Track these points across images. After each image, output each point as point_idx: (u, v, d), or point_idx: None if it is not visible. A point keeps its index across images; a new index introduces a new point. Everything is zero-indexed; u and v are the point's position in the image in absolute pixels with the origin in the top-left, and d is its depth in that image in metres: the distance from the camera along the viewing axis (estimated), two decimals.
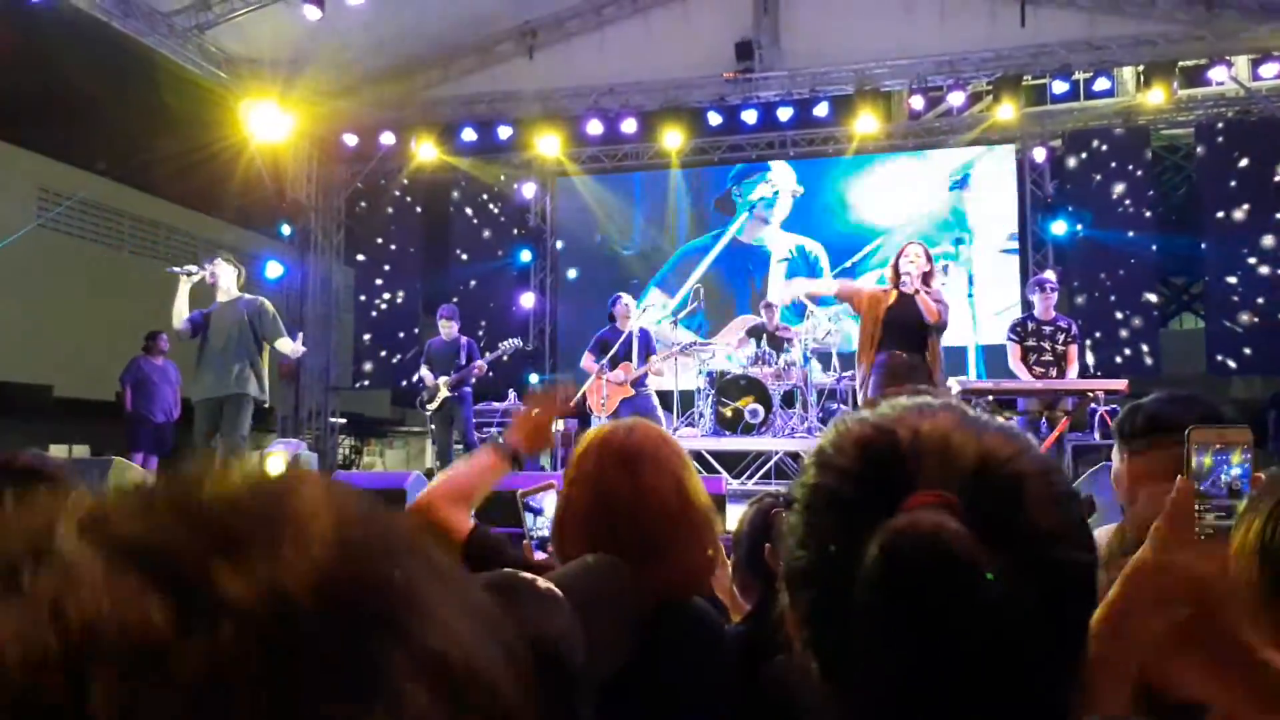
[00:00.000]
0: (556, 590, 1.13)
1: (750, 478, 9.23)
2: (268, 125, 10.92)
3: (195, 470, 0.37)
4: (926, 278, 6.09)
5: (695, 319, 10.99)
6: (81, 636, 0.30)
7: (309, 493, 0.37)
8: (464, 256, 12.96)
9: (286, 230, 12.06)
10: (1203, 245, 11.23)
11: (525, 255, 13.12)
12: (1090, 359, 10.31)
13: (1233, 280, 10.83)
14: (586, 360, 8.49)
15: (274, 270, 12.13)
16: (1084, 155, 11.44)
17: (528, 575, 1.15)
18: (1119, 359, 10.88)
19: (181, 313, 6.95)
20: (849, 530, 0.68)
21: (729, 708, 1.50)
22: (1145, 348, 10.98)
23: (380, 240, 12.93)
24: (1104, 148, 11.36)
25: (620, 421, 1.66)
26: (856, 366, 6.47)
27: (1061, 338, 7.43)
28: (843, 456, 0.73)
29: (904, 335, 6.02)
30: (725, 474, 8.71)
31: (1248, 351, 10.69)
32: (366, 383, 13.04)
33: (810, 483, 0.75)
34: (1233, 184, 10.87)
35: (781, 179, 12.49)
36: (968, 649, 0.62)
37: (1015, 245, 11.79)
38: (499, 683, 0.36)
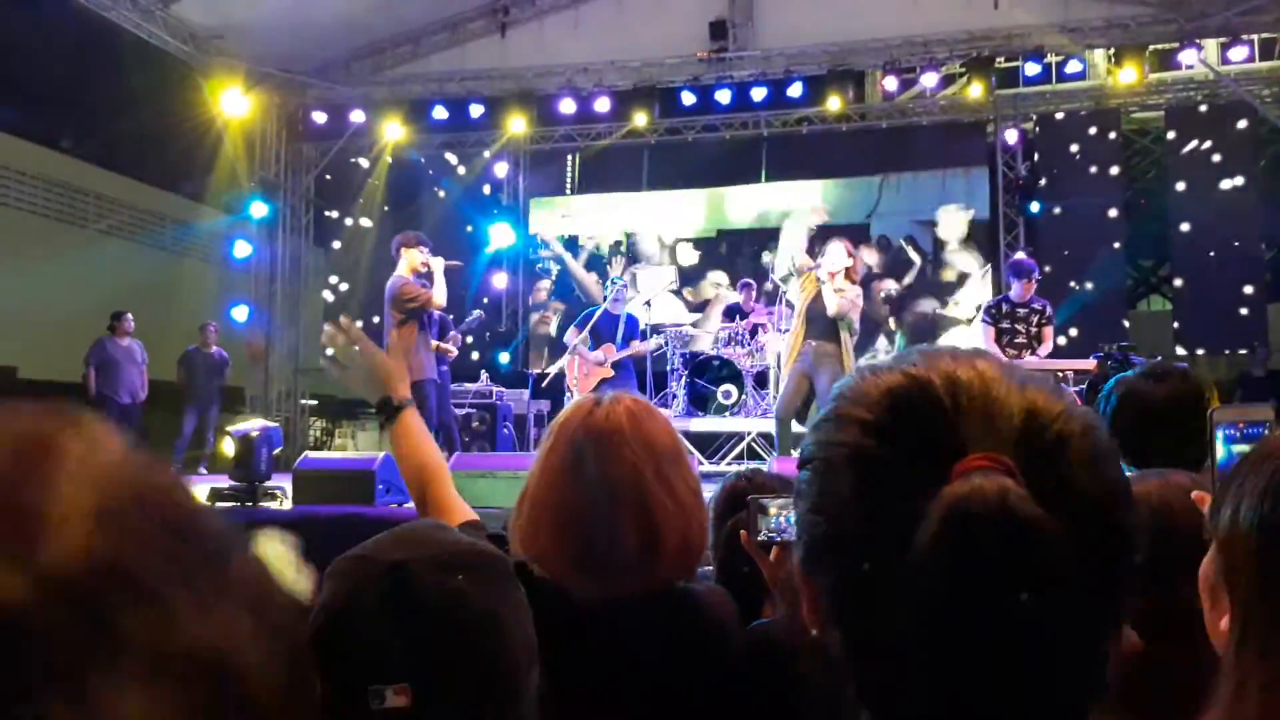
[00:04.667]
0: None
1: (723, 459, 9.25)
2: (235, 103, 10.75)
3: None
4: (850, 274, 6.52)
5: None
6: None
7: (67, 460, 0.33)
8: (433, 236, 12.83)
9: (262, 209, 11.87)
10: (1171, 228, 11.33)
11: (496, 234, 13.00)
12: (1061, 340, 10.40)
13: (1200, 262, 10.95)
14: (570, 335, 8.58)
15: (242, 250, 11.97)
16: (1055, 137, 11.50)
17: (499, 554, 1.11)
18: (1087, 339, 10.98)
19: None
20: (882, 493, 0.62)
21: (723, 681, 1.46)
22: (1114, 328, 11.08)
23: (349, 219, 12.80)
24: (1075, 130, 11.42)
25: (599, 397, 1.53)
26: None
27: (1036, 319, 7.48)
28: (867, 409, 0.65)
29: (820, 326, 6.50)
30: (698, 454, 8.73)
31: (1214, 333, 10.82)
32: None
33: (826, 439, 0.66)
34: (1201, 167, 10.97)
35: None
36: (1031, 616, 0.59)
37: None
38: (252, 675, 0.34)
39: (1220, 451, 1.08)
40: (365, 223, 12.77)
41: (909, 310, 11.87)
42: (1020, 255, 10.25)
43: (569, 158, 13.04)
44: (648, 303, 10.07)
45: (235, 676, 0.33)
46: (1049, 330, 7.51)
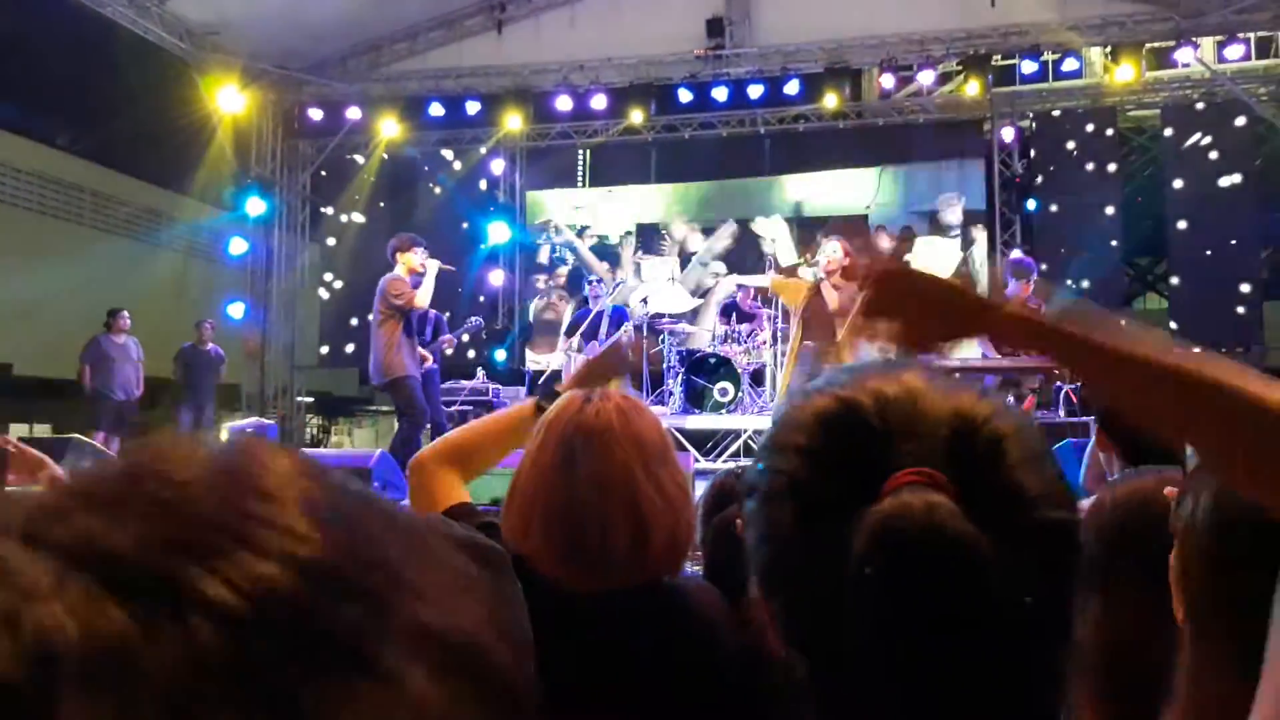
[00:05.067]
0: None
1: (719, 456, 9.25)
2: (231, 99, 10.74)
3: (146, 453, 0.35)
4: (846, 272, 6.50)
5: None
6: (39, 649, 0.27)
7: (276, 468, 0.34)
8: (430, 233, 12.83)
9: (258, 206, 11.85)
10: (1167, 226, 11.34)
11: (493, 232, 12.99)
12: None
13: (1197, 260, 10.96)
14: (560, 342, 8.60)
15: (238, 246, 11.96)
16: (1052, 135, 11.51)
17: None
18: None
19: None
20: (819, 520, 0.62)
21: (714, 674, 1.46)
22: None
23: (345, 216, 12.78)
24: (1071, 128, 11.43)
25: (588, 393, 1.51)
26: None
27: None
28: (802, 435, 0.66)
29: (821, 326, 6.50)
30: (694, 452, 8.73)
31: (1211, 331, 10.82)
32: (324, 350, 12.90)
33: (767, 467, 0.68)
34: (1198, 165, 10.97)
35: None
36: (969, 629, 0.59)
37: None
38: (497, 656, 0.35)
39: None
40: (360, 219, 12.74)
41: None
42: (1018, 254, 10.26)
43: (580, 151, 13.01)
44: (645, 299, 10.07)
45: (488, 663, 0.34)
46: None
